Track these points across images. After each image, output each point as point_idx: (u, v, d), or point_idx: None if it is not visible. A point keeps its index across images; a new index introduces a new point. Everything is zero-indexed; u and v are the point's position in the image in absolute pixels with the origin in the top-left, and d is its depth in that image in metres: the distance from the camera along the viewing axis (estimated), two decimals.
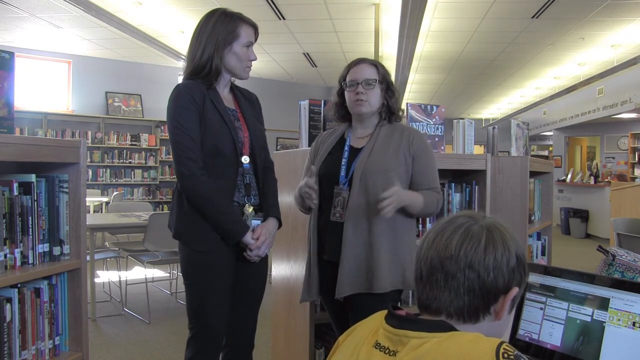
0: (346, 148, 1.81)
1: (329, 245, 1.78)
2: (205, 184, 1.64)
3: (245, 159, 1.76)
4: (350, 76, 1.79)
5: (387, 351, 0.82)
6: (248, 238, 1.69)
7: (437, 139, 2.50)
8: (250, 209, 1.75)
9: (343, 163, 1.78)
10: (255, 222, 1.76)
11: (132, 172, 8.33)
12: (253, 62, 1.81)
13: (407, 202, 1.67)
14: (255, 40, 1.80)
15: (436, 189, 1.78)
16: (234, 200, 1.74)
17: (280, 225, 1.85)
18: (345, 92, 1.82)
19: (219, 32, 1.70)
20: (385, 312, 0.89)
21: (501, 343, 0.75)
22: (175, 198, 1.74)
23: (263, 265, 1.85)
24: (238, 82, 1.89)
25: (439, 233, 0.87)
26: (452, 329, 0.80)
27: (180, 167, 1.65)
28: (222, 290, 1.73)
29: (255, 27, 1.79)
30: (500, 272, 0.82)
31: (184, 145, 1.64)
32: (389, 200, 1.58)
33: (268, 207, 1.81)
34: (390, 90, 1.81)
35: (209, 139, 1.67)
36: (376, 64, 1.81)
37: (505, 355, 0.72)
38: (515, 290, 0.84)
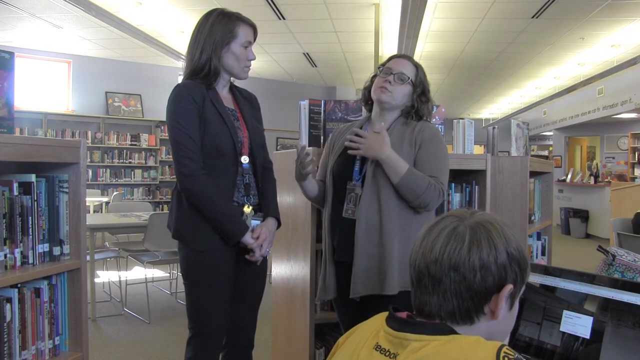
0: None
1: (340, 244, 1.75)
2: (205, 183, 1.64)
3: (245, 159, 1.76)
4: (389, 64, 1.79)
5: (387, 354, 0.81)
6: (247, 238, 1.69)
7: None
8: (249, 209, 1.75)
9: (358, 158, 1.75)
10: (254, 222, 1.76)
11: (132, 172, 8.33)
12: (253, 62, 1.80)
13: (383, 156, 1.62)
14: (254, 40, 1.79)
15: (436, 179, 1.65)
16: (234, 200, 1.74)
17: (279, 225, 1.85)
18: (377, 77, 1.81)
19: (216, 32, 1.70)
20: (386, 313, 0.89)
21: (502, 346, 0.74)
22: (175, 198, 1.73)
23: (263, 265, 1.84)
24: (238, 82, 1.89)
25: (425, 236, 0.86)
26: (453, 332, 0.80)
27: (180, 166, 1.65)
28: (222, 290, 1.73)
29: (253, 27, 1.78)
30: (489, 272, 0.80)
31: (183, 145, 1.64)
32: (363, 142, 1.59)
33: (267, 207, 1.81)
34: (425, 97, 1.81)
35: (209, 138, 1.67)
36: (418, 67, 1.81)
37: (507, 359, 0.72)
38: (508, 288, 0.81)
